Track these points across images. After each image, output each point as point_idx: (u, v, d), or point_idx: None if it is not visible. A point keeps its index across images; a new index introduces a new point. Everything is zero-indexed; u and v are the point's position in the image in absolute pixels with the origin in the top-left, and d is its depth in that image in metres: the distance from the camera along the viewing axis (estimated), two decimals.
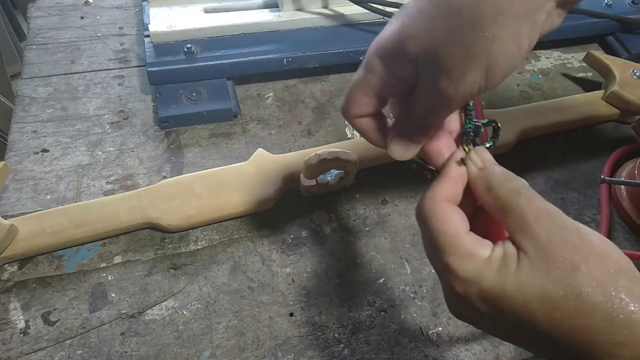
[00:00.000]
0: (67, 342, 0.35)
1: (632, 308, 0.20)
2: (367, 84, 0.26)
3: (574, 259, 0.21)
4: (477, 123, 0.27)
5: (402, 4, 0.55)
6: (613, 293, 0.20)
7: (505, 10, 0.20)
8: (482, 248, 0.23)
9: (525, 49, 0.22)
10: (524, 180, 0.24)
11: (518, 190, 0.23)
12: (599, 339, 0.20)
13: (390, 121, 0.28)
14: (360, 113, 0.27)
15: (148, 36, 0.52)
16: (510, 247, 0.23)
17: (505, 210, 0.23)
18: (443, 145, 0.28)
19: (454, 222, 0.24)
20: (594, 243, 0.21)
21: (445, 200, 0.25)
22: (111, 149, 0.47)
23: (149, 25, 0.52)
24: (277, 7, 0.58)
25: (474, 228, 0.25)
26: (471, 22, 0.20)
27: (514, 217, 0.23)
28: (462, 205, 0.26)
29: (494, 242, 0.24)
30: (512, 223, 0.23)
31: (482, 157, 0.26)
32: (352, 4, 0.54)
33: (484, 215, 0.27)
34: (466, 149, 0.27)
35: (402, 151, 0.27)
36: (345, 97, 0.27)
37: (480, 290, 0.22)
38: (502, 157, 0.50)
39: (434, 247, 0.24)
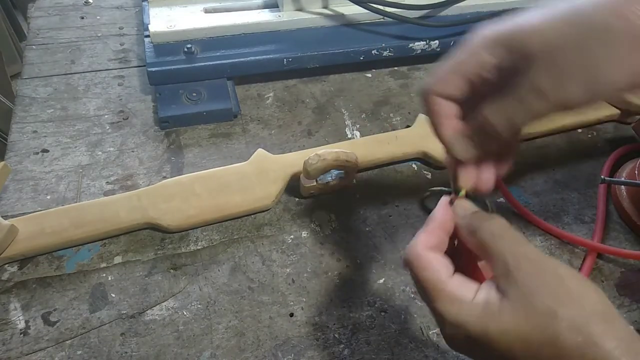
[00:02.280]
0: (67, 342, 0.35)
1: (606, 350, 0.21)
2: (464, 65, 0.26)
3: (552, 305, 0.22)
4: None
5: (402, 3, 0.55)
6: (588, 337, 0.21)
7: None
8: (466, 291, 0.24)
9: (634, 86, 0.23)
10: (504, 222, 0.26)
11: (500, 234, 0.25)
12: None
13: (457, 122, 0.28)
14: (445, 92, 0.27)
15: (148, 36, 0.52)
16: (493, 292, 0.24)
17: (488, 255, 0.25)
18: (472, 173, 0.29)
19: (436, 269, 0.25)
20: (571, 287, 0.22)
21: (427, 249, 0.26)
22: (111, 149, 0.47)
23: (149, 26, 0.52)
24: (277, 7, 0.58)
25: (460, 263, 0.26)
26: (605, 40, 0.22)
27: (497, 262, 0.24)
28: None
29: (479, 279, 0.25)
30: (494, 267, 0.24)
31: (464, 205, 0.28)
32: (352, 4, 0.54)
33: (467, 253, 0.28)
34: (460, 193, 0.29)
35: (464, 149, 0.27)
36: (433, 74, 0.27)
37: (466, 333, 0.24)
38: None
39: (421, 292, 0.26)
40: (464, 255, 0.28)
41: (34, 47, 0.56)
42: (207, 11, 0.57)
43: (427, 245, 0.26)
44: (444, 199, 0.28)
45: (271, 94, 0.55)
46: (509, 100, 0.25)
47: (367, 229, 0.44)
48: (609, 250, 0.42)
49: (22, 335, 0.35)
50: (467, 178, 0.29)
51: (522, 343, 0.22)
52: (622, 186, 0.47)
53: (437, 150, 0.47)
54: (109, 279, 0.39)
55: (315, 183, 0.43)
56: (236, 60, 0.52)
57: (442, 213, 0.28)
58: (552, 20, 0.23)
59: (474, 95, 0.27)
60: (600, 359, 0.21)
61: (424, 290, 0.25)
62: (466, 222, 0.27)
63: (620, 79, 0.22)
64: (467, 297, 0.24)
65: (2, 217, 0.38)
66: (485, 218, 0.26)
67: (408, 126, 0.51)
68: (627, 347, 0.21)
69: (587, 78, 0.23)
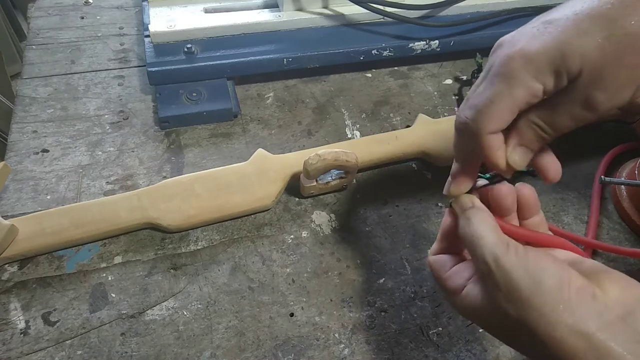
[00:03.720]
0: (67, 342, 0.35)
1: (556, 346, 0.22)
2: (512, 98, 0.25)
3: (506, 308, 0.24)
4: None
5: (402, 3, 0.55)
6: (537, 336, 0.23)
7: None
8: (455, 285, 0.28)
9: None
10: (479, 213, 0.27)
11: (479, 236, 0.26)
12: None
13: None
14: (499, 128, 0.26)
15: (148, 36, 0.52)
16: (471, 286, 0.27)
17: (482, 275, 0.26)
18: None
19: (437, 271, 0.30)
20: (520, 289, 0.23)
21: (433, 255, 0.31)
22: (111, 149, 0.47)
23: (149, 25, 0.52)
24: (277, 7, 0.57)
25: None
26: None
27: (475, 262, 0.26)
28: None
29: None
30: (475, 265, 0.27)
31: (463, 202, 0.29)
32: (352, 4, 0.54)
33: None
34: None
35: (523, 159, 0.28)
36: (479, 111, 0.26)
37: (468, 313, 0.27)
38: None
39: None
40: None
41: (34, 47, 0.56)
42: (207, 11, 0.57)
43: (433, 252, 0.31)
44: (449, 210, 0.31)
45: (271, 94, 0.55)
46: (558, 113, 0.26)
47: (367, 229, 0.44)
48: (603, 246, 0.42)
49: (22, 335, 0.35)
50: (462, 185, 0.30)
51: (498, 328, 0.26)
52: (622, 186, 0.47)
53: (437, 150, 0.47)
54: (109, 279, 0.39)
55: (315, 183, 0.43)
56: (236, 60, 0.52)
57: (447, 219, 0.31)
58: (588, 35, 0.23)
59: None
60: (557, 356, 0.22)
61: (439, 287, 0.30)
62: (465, 238, 0.28)
63: None
64: (457, 290, 0.28)
65: (2, 217, 0.38)
66: (469, 216, 0.27)
67: (408, 126, 0.51)
68: (583, 341, 0.22)
69: (632, 84, 0.24)
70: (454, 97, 0.56)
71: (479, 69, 0.54)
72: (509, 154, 0.27)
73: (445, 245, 0.31)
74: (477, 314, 0.26)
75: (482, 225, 0.26)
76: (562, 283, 0.23)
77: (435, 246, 0.32)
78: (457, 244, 0.31)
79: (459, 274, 0.28)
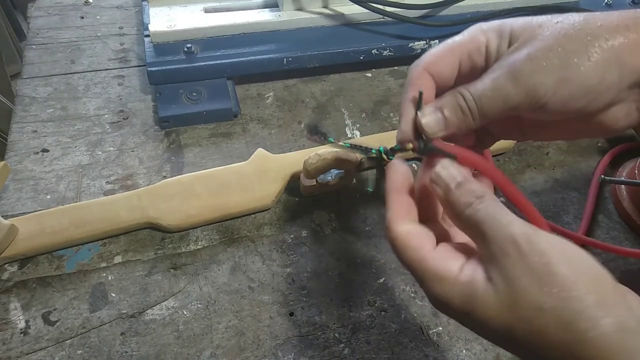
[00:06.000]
0: (67, 342, 0.35)
1: (594, 348, 0.19)
2: (458, 44, 0.26)
3: (537, 297, 0.20)
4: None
5: (402, 3, 0.55)
6: (575, 335, 0.20)
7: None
8: (451, 265, 0.23)
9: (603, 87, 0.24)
10: (490, 196, 0.23)
11: (483, 219, 0.22)
12: None
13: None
14: (435, 69, 0.26)
15: (148, 36, 0.52)
16: (479, 273, 0.22)
17: (473, 237, 0.23)
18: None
19: (416, 248, 0.23)
20: (559, 274, 0.20)
21: (402, 224, 0.24)
22: (111, 148, 0.47)
23: (149, 25, 0.52)
24: (277, 6, 0.57)
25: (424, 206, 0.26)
26: (587, 53, 0.23)
27: (482, 246, 0.22)
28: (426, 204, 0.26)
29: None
30: (480, 251, 0.23)
31: (451, 173, 0.24)
32: (352, 3, 0.54)
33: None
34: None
35: (433, 123, 0.25)
36: (431, 51, 0.27)
37: (453, 310, 0.23)
38: (503, 157, 0.50)
39: (409, 271, 0.24)
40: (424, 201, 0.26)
41: (33, 46, 0.56)
42: (207, 11, 0.57)
43: (400, 219, 0.24)
44: (395, 162, 0.26)
45: (271, 94, 0.55)
46: (482, 80, 0.25)
47: (367, 228, 0.44)
48: (600, 245, 0.42)
49: (22, 334, 0.35)
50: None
51: (506, 332, 0.21)
52: (623, 185, 0.47)
53: None
54: (109, 278, 0.39)
55: (315, 183, 0.43)
56: (236, 59, 0.52)
57: (400, 176, 0.26)
58: (544, 20, 0.25)
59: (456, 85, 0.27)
60: (587, 357, 0.19)
61: (411, 271, 0.24)
62: (448, 202, 0.24)
63: (594, 86, 0.23)
64: (451, 273, 0.22)
65: (2, 216, 0.37)
66: (467, 198, 0.23)
67: None
68: (620, 342, 0.19)
69: (562, 76, 0.23)
70: None
71: None
72: (423, 111, 0.26)
73: (407, 209, 0.25)
74: (484, 305, 0.21)
75: (498, 203, 0.23)
76: (599, 275, 0.21)
77: (396, 212, 0.25)
78: (432, 208, 0.26)
79: (450, 254, 0.24)
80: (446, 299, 0.23)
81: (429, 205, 0.27)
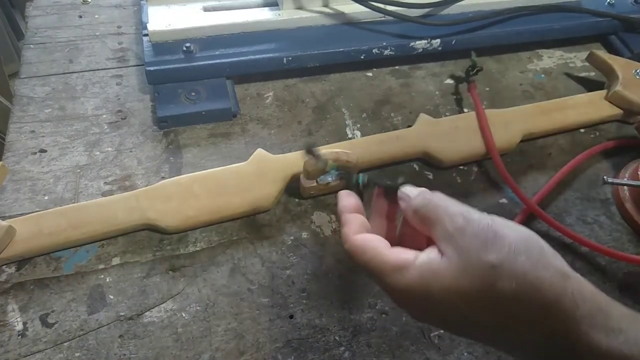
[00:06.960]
0: (65, 344, 0.35)
1: (541, 289, 0.22)
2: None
3: (484, 255, 0.23)
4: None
5: (403, 2, 0.55)
6: (522, 280, 0.22)
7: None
8: (406, 255, 0.25)
9: None
10: (439, 193, 0.27)
11: (436, 204, 0.26)
12: (521, 327, 0.23)
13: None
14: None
15: (147, 35, 0.52)
16: (434, 253, 0.25)
17: (429, 225, 0.26)
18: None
19: (373, 247, 0.26)
20: (508, 237, 0.23)
21: (356, 234, 0.27)
22: (109, 149, 0.47)
23: (147, 24, 0.52)
24: (277, 5, 0.57)
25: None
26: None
27: (437, 227, 0.25)
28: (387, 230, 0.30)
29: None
30: (435, 234, 0.25)
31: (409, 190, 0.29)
32: (352, 2, 0.54)
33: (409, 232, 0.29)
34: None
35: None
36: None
37: (413, 295, 0.25)
38: (505, 157, 0.49)
39: (371, 276, 0.26)
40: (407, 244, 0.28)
41: (31, 46, 0.56)
42: (206, 10, 0.56)
43: (356, 231, 0.28)
44: (342, 193, 0.31)
45: (271, 94, 0.54)
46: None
47: None
48: (597, 247, 0.41)
49: (20, 337, 0.35)
50: None
51: (463, 297, 0.23)
52: (625, 187, 0.46)
53: (438, 150, 0.47)
54: (107, 280, 0.38)
55: (315, 183, 0.43)
56: (235, 59, 0.51)
57: (350, 200, 0.30)
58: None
59: None
60: (535, 299, 0.22)
61: (371, 272, 0.26)
62: (409, 204, 0.28)
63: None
64: (408, 260, 0.25)
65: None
66: (423, 197, 0.27)
67: (409, 126, 0.51)
68: (560, 282, 0.22)
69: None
70: (454, 97, 0.56)
71: (473, 67, 0.54)
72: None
73: (360, 224, 0.29)
74: (440, 277, 0.24)
75: (445, 197, 0.27)
76: (531, 235, 0.24)
77: (351, 226, 0.28)
78: (366, 222, 0.29)
79: (404, 250, 0.26)
80: (406, 285, 0.24)
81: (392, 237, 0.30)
